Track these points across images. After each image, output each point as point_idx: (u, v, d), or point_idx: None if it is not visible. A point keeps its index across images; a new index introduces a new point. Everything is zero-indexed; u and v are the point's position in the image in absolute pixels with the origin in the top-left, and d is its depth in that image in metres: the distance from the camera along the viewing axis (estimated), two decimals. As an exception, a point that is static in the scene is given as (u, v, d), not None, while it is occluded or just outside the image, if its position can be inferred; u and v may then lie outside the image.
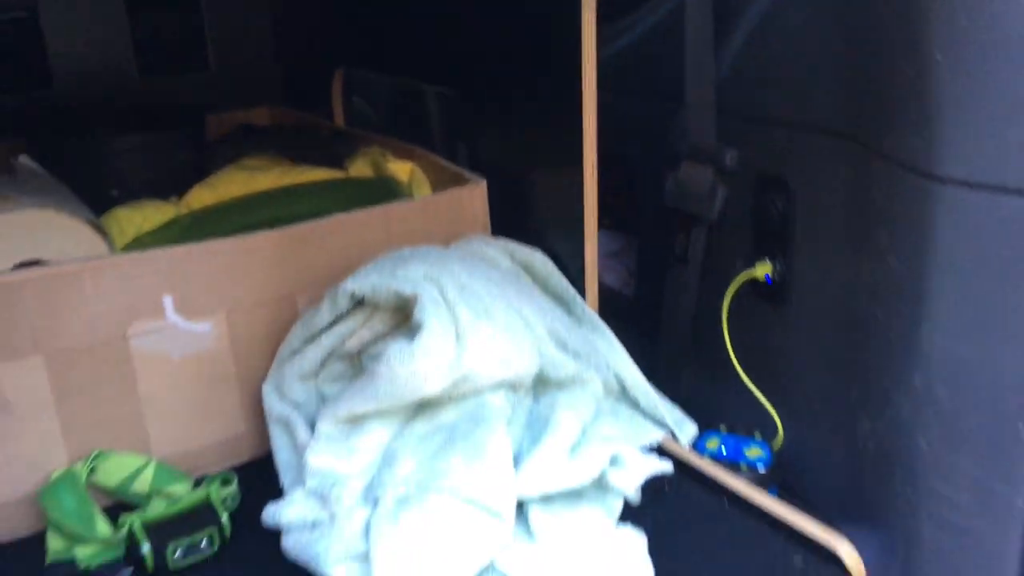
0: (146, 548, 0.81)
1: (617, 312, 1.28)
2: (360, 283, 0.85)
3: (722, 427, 1.03)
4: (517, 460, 0.82)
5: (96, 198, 1.04)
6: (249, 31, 1.59)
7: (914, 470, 0.81)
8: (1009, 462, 0.73)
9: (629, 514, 0.85)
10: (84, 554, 0.82)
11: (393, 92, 1.47)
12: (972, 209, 0.71)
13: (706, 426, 1.05)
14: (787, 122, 0.99)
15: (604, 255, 1.52)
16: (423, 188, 1.17)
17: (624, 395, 1.01)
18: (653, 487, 0.89)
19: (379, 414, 0.86)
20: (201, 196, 1.21)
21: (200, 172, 1.24)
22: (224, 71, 1.58)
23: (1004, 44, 0.65)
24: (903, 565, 0.85)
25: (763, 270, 1.06)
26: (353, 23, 1.41)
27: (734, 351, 1.08)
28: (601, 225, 1.52)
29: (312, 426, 0.88)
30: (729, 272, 1.08)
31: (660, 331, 1.22)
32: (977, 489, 0.76)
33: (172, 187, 1.20)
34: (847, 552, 0.79)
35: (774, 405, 1.03)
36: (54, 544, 0.84)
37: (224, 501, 0.87)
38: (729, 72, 1.06)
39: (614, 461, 0.85)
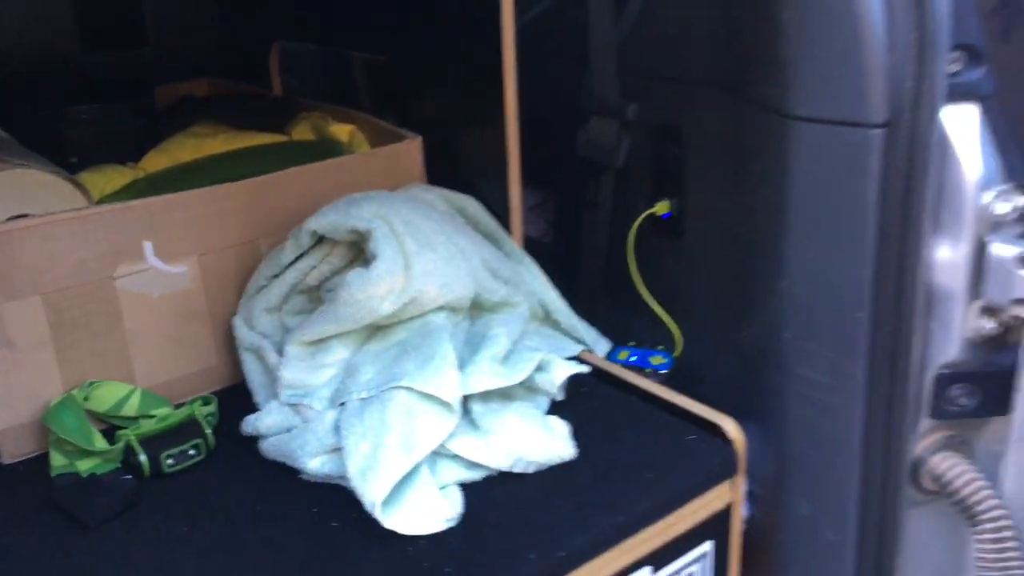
0: (143, 457, 0.94)
1: (539, 258, 1.44)
2: (320, 222, 0.98)
3: (632, 342, 1.21)
4: (459, 369, 0.97)
5: (57, 165, 1.15)
6: (188, 6, 1.68)
7: (781, 360, 1.00)
8: (852, 343, 0.92)
9: (555, 409, 1.02)
10: (85, 467, 0.95)
11: (328, 63, 1.60)
12: (817, 140, 0.89)
13: (619, 343, 1.22)
14: (677, 78, 1.16)
15: (525, 209, 1.69)
16: (363, 148, 1.31)
17: (548, 318, 1.17)
18: (574, 388, 1.06)
19: (340, 336, 1.00)
20: (156, 161, 1.32)
21: (153, 139, 1.35)
22: (163, 46, 1.68)
23: (826, 8, 0.83)
24: (777, 439, 1.04)
25: (662, 208, 1.24)
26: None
27: (641, 279, 1.25)
28: (528, 183, 1.68)
29: (280, 352, 1.02)
30: (634, 212, 1.26)
31: (578, 268, 1.39)
32: (830, 369, 0.95)
33: (128, 154, 1.31)
34: (731, 427, 0.97)
35: (675, 322, 1.21)
36: (57, 460, 0.96)
37: (206, 417, 1.00)
38: (627, 36, 1.22)
39: (540, 367, 1.01)
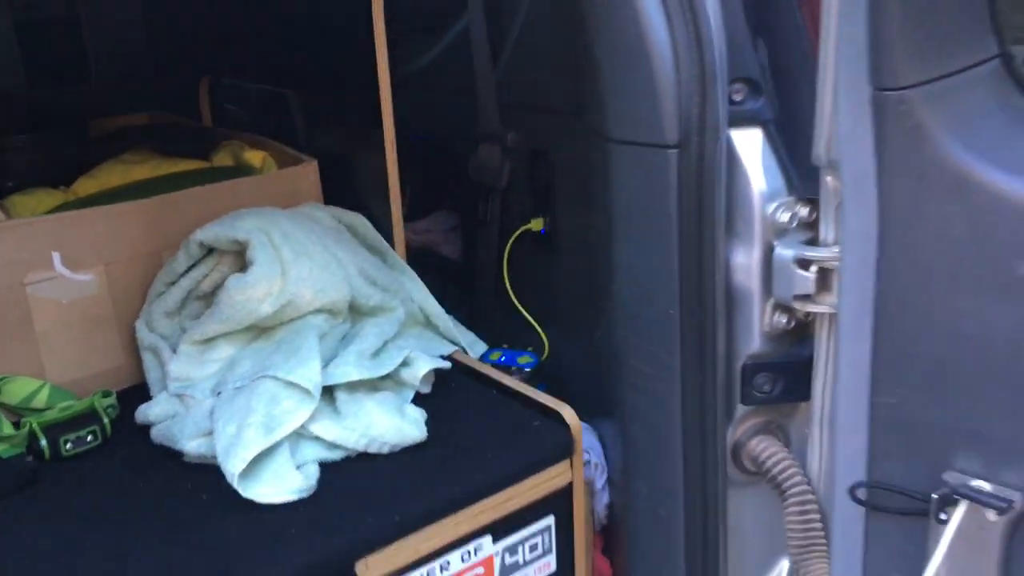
0: (43, 442, 1.07)
1: (454, 276, 1.58)
2: (205, 233, 1.12)
3: (505, 345, 1.34)
4: (327, 362, 1.10)
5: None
6: (127, 46, 1.83)
7: (617, 354, 1.13)
8: (667, 337, 1.05)
9: (420, 401, 1.14)
10: (-5, 450, 1.07)
11: (250, 96, 1.74)
12: (628, 159, 1.03)
13: (500, 345, 1.35)
14: (545, 109, 1.30)
15: (444, 231, 1.83)
16: (272, 171, 1.44)
17: (428, 323, 1.30)
18: (442, 383, 1.19)
19: (227, 336, 1.13)
20: (86, 186, 1.45)
21: (84, 166, 1.48)
22: (105, 82, 1.82)
23: (627, 49, 0.97)
24: (621, 427, 1.17)
25: (538, 224, 1.37)
26: (215, 38, 1.67)
27: (519, 289, 1.38)
28: (440, 206, 1.81)
29: (175, 351, 1.14)
30: (518, 228, 1.39)
31: (473, 279, 1.52)
32: (653, 360, 1.08)
33: (60, 179, 1.44)
34: (568, 413, 1.10)
35: (545, 327, 1.35)
36: (-30, 445, 1.08)
37: (105, 409, 1.12)
38: (505, 75, 1.37)
39: (405, 363, 1.14)
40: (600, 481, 1.27)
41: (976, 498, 0.79)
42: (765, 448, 1.10)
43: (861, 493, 0.88)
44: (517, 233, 1.37)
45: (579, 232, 1.27)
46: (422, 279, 1.32)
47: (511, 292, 1.37)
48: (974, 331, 0.77)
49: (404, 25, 1.45)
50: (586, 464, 1.26)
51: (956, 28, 0.75)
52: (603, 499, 1.28)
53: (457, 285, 1.55)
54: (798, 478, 1.08)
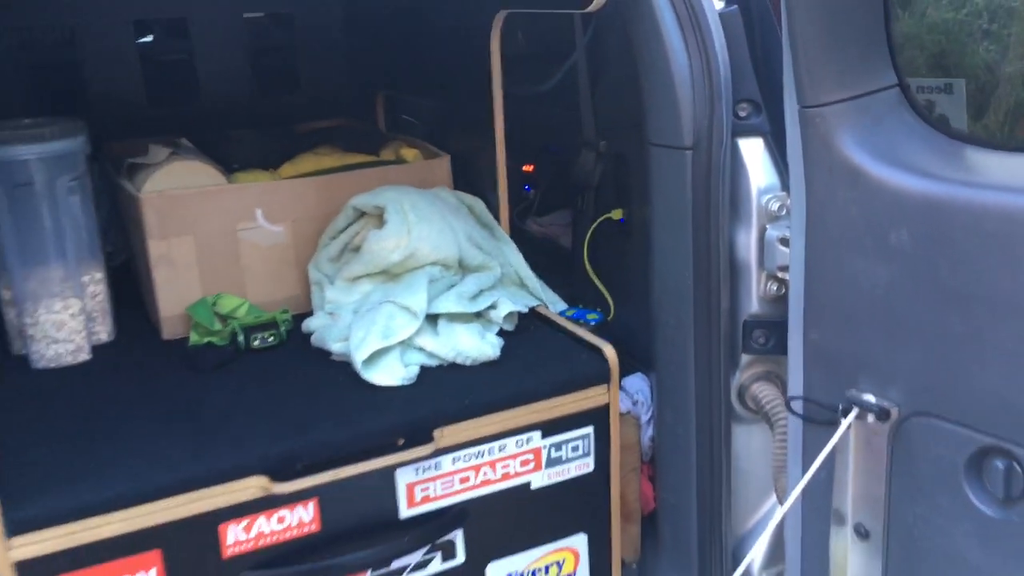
0: (241, 337, 1.53)
1: (566, 260, 1.95)
2: (357, 200, 1.56)
3: (580, 306, 1.70)
4: (437, 300, 1.50)
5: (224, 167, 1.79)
6: (328, 68, 2.34)
7: (653, 313, 1.46)
8: (684, 297, 1.37)
9: (504, 336, 1.52)
10: (208, 341, 1.55)
11: (416, 106, 2.20)
12: (660, 159, 1.37)
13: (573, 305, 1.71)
14: (624, 123, 1.65)
15: (562, 225, 2.20)
16: (415, 162, 1.88)
17: (521, 283, 1.68)
18: (524, 326, 1.56)
19: (366, 276, 1.56)
20: (288, 170, 1.94)
21: (288, 156, 1.97)
22: (308, 95, 2.34)
23: (659, 78, 1.31)
24: (654, 368, 1.50)
25: (617, 214, 1.72)
26: (388, 65, 2.14)
27: (602, 266, 1.73)
28: (561, 206, 2.19)
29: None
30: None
31: (572, 258, 1.89)
32: (675, 316, 1.40)
33: (270, 164, 1.94)
34: (609, 350, 1.44)
35: (615, 296, 1.69)
36: (193, 338, 1.57)
37: (283, 321, 1.58)
38: (599, 97, 1.73)
39: (493, 306, 1.53)
40: (645, 417, 1.60)
41: (866, 407, 1.06)
42: (762, 391, 1.40)
43: (796, 406, 1.16)
44: (599, 221, 1.73)
45: (642, 223, 1.60)
46: (542, 261, 1.70)
47: (588, 267, 1.72)
48: (865, 284, 1.05)
49: (533, 52, 1.86)
50: (634, 403, 1.60)
51: (862, 62, 1.04)
52: (647, 432, 1.61)
53: (565, 265, 1.93)
54: (783, 414, 1.36)
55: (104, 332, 1.60)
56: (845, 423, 1.07)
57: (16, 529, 1.10)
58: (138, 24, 2.19)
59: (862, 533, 1.14)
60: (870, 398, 1.07)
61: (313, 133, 2.18)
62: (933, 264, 0.98)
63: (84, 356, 1.53)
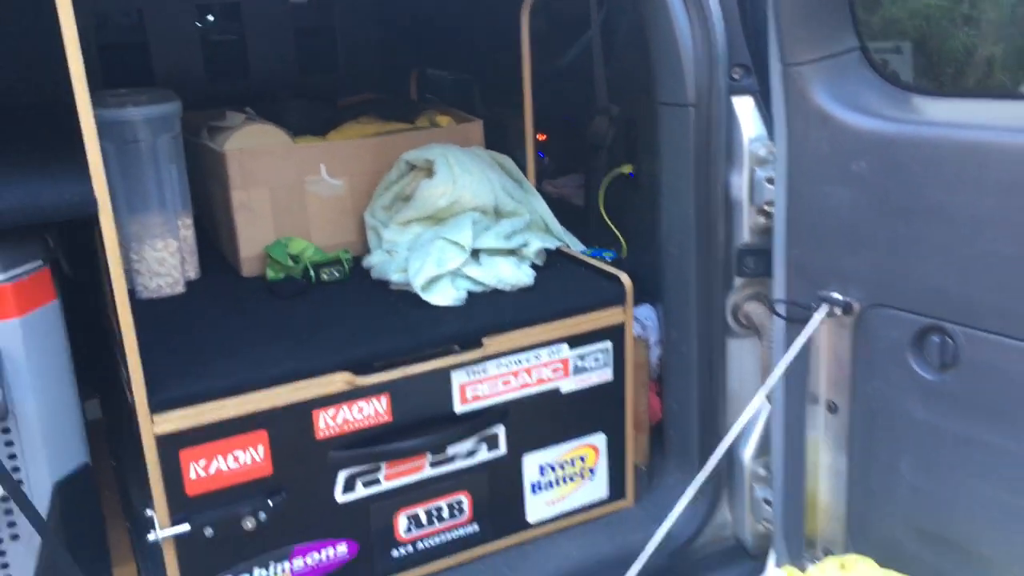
0: (311, 272, 1.81)
1: (579, 214, 2.23)
2: (409, 155, 1.84)
3: (596, 246, 1.98)
4: (479, 237, 1.78)
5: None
6: (364, 47, 2.61)
7: (661, 243, 1.74)
8: (687, 228, 1.65)
9: (535, 268, 1.80)
10: (283, 275, 1.82)
11: (446, 81, 2.47)
12: (667, 115, 1.65)
13: (590, 246, 2.00)
14: (634, 90, 1.93)
15: (574, 187, 2.48)
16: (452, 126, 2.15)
17: (547, 228, 1.96)
18: (551, 261, 1.84)
19: (417, 219, 1.84)
20: (335, 136, 2.21)
21: (333, 124, 2.24)
22: (349, 71, 2.61)
23: (666, 45, 1.59)
24: (661, 291, 1.77)
25: (627, 169, 2.01)
26: (421, 42, 2.41)
27: (614, 213, 2.02)
28: (574, 169, 2.46)
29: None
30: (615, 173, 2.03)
31: (587, 209, 2.17)
32: (679, 245, 1.68)
33: (320, 130, 2.21)
34: (624, 277, 1.72)
35: (626, 237, 1.97)
36: (271, 274, 1.85)
37: (346, 259, 1.86)
38: (612, 68, 2.00)
39: (526, 243, 1.81)
40: (653, 339, 1.88)
41: (834, 303, 1.34)
42: (752, 307, 1.68)
43: (780, 308, 1.45)
44: (612, 174, 2.01)
45: (651, 173, 1.88)
46: (557, 216, 1.98)
47: (604, 214, 2.01)
48: (832, 206, 1.32)
49: (552, 30, 2.13)
50: (644, 328, 1.88)
51: (831, 28, 1.32)
52: (655, 353, 1.89)
53: (578, 218, 2.21)
54: (770, 324, 1.64)
55: (192, 271, 1.88)
56: (818, 316, 1.36)
57: (157, 407, 1.38)
58: (199, 8, 2.46)
59: (832, 408, 1.42)
60: (837, 296, 1.35)
61: (354, 105, 2.45)
62: (884, 186, 1.26)
63: (180, 289, 1.81)
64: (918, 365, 1.28)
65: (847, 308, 1.34)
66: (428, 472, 1.62)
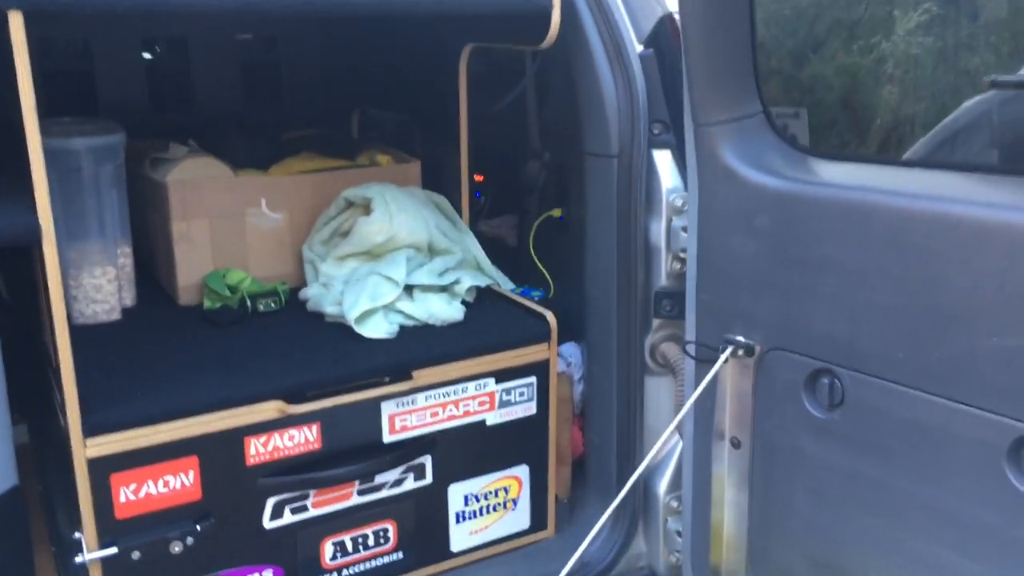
0: (248, 302, 1.87)
1: (512, 254, 2.32)
2: (348, 192, 1.91)
3: (525, 285, 2.07)
4: (412, 274, 1.86)
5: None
6: (310, 84, 2.69)
7: (585, 286, 1.84)
8: (608, 274, 1.75)
9: (465, 305, 1.88)
10: (220, 305, 1.87)
11: (386, 121, 2.56)
12: (593, 164, 1.76)
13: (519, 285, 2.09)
14: (565, 136, 2.04)
15: (510, 226, 2.58)
16: (391, 166, 2.23)
17: (478, 266, 2.05)
18: (481, 299, 1.93)
19: (354, 254, 1.91)
20: (277, 171, 2.28)
21: (277, 157, 2.31)
22: (293, 106, 2.68)
23: (593, 100, 1.70)
24: (585, 332, 1.87)
25: (557, 212, 2.11)
26: (363, 83, 2.50)
27: (544, 254, 2.11)
28: (508, 210, 2.55)
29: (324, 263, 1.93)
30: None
31: (518, 250, 2.27)
32: (602, 288, 1.78)
33: (261, 165, 2.27)
34: (549, 316, 1.81)
35: (554, 278, 2.07)
36: (208, 303, 1.90)
37: (282, 290, 1.91)
38: (545, 115, 2.12)
39: (457, 281, 1.89)
40: (576, 376, 1.98)
41: (738, 345, 1.45)
42: (668, 348, 1.79)
43: (690, 349, 1.55)
44: (542, 218, 2.11)
45: (578, 218, 1.99)
46: (491, 255, 2.07)
47: (534, 254, 2.10)
48: (737, 255, 1.43)
49: (490, 74, 2.24)
50: (568, 365, 1.98)
51: (738, 94, 1.44)
52: (578, 389, 1.98)
53: (510, 257, 2.30)
54: (684, 363, 1.75)
55: (129, 298, 1.91)
56: (723, 357, 1.47)
57: (91, 431, 1.42)
58: (145, 41, 2.51)
59: (735, 444, 1.53)
60: (741, 339, 1.46)
61: (297, 140, 2.52)
62: (782, 239, 1.38)
63: (116, 316, 1.84)
64: (810, 404, 1.39)
65: (749, 350, 1.45)
66: (356, 500, 1.67)
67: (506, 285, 2.06)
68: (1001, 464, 1.16)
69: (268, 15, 1.55)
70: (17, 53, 1.23)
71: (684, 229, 1.67)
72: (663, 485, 1.84)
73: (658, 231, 1.74)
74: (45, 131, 1.56)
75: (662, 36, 1.71)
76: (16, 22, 1.23)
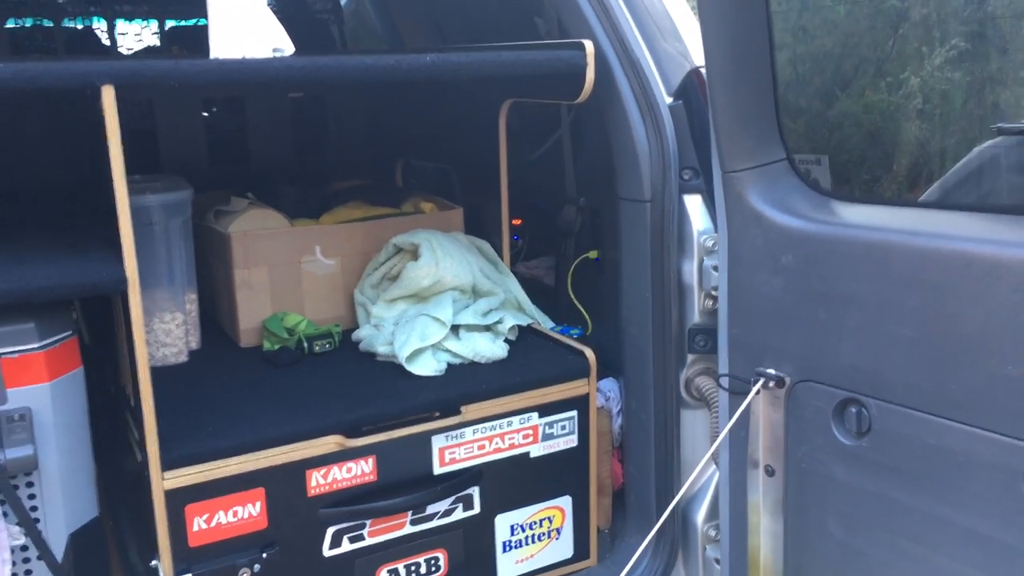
0: (305, 344, 1.99)
1: (551, 294, 2.43)
2: (397, 239, 2.04)
3: (564, 323, 2.17)
4: (458, 315, 1.97)
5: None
6: (355, 136, 2.84)
7: (622, 325, 1.94)
8: (644, 312, 1.85)
9: (508, 343, 1.99)
10: (279, 346, 2.00)
11: (428, 170, 2.69)
12: (627, 209, 1.86)
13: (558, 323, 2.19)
14: (600, 183, 2.16)
15: (546, 268, 2.69)
16: (435, 213, 2.36)
17: (519, 307, 2.16)
18: (523, 337, 2.03)
19: (403, 297, 2.03)
20: (327, 219, 2.42)
21: (327, 206, 2.45)
22: (341, 159, 2.83)
23: (627, 149, 1.82)
24: (623, 368, 1.97)
25: (593, 255, 2.22)
26: (407, 135, 2.64)
27: (581, 295, 2.22)
28: (546, 252, 2.67)
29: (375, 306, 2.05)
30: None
31: (556, 290, 2.37)
32: (639, 325, 1.88)
33: (314, 213, 2.42)
34: (588, 352, 1.91)
35: (592, 316, 2.17)
36: (267, 344, 2.02)
37: (336, 332, 2.04)
38: (580, 162, 2.23)
39: (500, 321, 2.00)
40: (615, 410, 2.07)
41: (768, 378, 1.53)
42: (703, 382, 1.87)
43: (723, 381, 1.64)
44: (578, 260, 2.22)
45: (613, 259, 2.10)
46: (529, 295, 2.18)
47: (572, 294, 2.21)
48: (765, 292, 1.53)
49: (527, 124, 2.37)
50: (607, 399, 2.07)
51: (762, 142, 1.54)
52: (617, 422, 2.07)
53: (548, 297, 2.41)
54: (718, 396, 1.83)
55: (195, 341, 2.05)
56: (755, 389, 1.55)
57: (168, 465, 1.54)
58: (205, 101, 2.68)
59: (769, 471, 1.61)
60: (771, 371, 1.55)
61: (346, 190, 2.67)
62: (807, 276, 1.47)
63: (184, 358, 1.97)
64: (839, 432, 1.47)
65: (780, 382, 1.54)
66: (409, 529, 1.77)
67: (546, 324, 2.17)
68: (1020, 486, 1.23)
69: (324, 81, 1.69)
70: (109, 122, 1.38)
71: (715, 268, 1.77)
72: (701, 514, 1.92)
73: (690, 271, 1.83)
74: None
75: (689, 88, 1.83)
76: (108, 96, 1.37)
